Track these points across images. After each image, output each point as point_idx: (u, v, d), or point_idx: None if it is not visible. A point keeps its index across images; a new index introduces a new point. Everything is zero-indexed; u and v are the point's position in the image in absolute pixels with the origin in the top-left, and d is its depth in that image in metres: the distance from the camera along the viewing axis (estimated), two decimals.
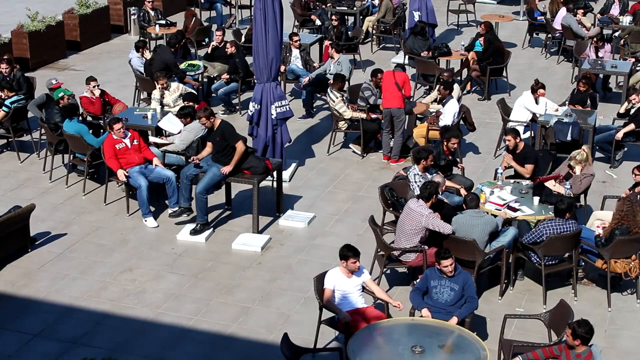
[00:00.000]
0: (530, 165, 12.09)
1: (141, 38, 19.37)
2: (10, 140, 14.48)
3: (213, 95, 16.32)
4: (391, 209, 11.38)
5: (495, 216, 10.86)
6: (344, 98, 14.59)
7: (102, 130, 13.51)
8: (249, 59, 14.97)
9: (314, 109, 16.40)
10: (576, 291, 10.57)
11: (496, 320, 9.73)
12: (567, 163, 12.01)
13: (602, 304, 10.43)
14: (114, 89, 16.62)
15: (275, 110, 13.00)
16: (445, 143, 12.32)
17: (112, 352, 9.30)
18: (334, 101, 14.44)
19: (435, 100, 14.88)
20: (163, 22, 19.78)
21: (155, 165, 12.30)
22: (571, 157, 11.96)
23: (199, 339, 9.70)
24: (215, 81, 16.60)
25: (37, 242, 11.62)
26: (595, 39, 17.68)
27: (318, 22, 20.25)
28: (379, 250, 10.60)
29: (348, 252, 9.08)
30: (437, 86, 15.13)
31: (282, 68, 15.90)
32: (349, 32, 19.66)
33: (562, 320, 8.72)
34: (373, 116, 14.48)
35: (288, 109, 13.17)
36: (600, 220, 11.08)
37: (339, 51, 16.40)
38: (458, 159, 13.36)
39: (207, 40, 19.14)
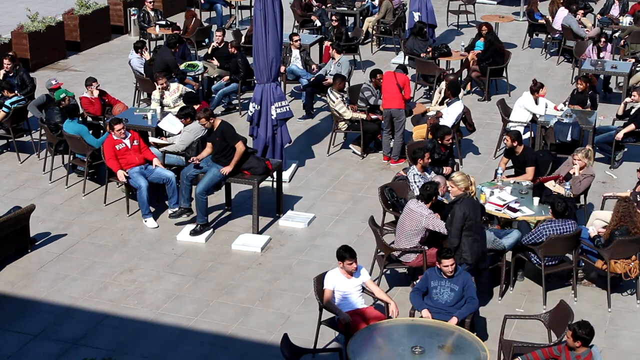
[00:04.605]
0: (531, 168, 12.09)
1: (141, 39, 19.37)
2: (10, 140, 14.48)
3: (213, 95, 16.33)
4: (391, 209, 11.38)
5: (502, 223, 10.88)
6: (344, 99, 14.58)
7: (102, 131, 13.52)
8: (250, 60, 14.98)
9: (314, 110, 16.41)
10: (576, 292, 10.56)
11: (496, 320, 9.72)
12: (572, 156, 11.96)
13: (602, 304, 10.42)
14: (114, 89, 16.63)
15: (275, 110, 13.00)
16: (439, 142, 12.35)
17: (112, 353, 9.31)
18: (334, 102, 14.43)
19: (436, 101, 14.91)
20: (163, 22, 19.79)
21: (155, 165, 12.31)
22: (578, 150, 11.94)
23: (198, 339, 9.70)
24: (215, 81, 16.61)
25: (37, 243, 11.62)
26: (602, 40, 17.62)
27: (318, 23, 20.25)
28: (378, 250, 10.59)
29: (345, 253, 9.09)
30: (438, 87, 15.14)
31: (282, 69, 15.90)
32: (349, 33, 19.66)
33: (562, 320, 8.71)
34: (373, 117, 14.47)
35: (288, 109, 13.17)
36: (599, 220, 11.08)
37: (340, 52, 16.41)
38: (457, 159, 13.37)
39: (207, 41, 19.15)
